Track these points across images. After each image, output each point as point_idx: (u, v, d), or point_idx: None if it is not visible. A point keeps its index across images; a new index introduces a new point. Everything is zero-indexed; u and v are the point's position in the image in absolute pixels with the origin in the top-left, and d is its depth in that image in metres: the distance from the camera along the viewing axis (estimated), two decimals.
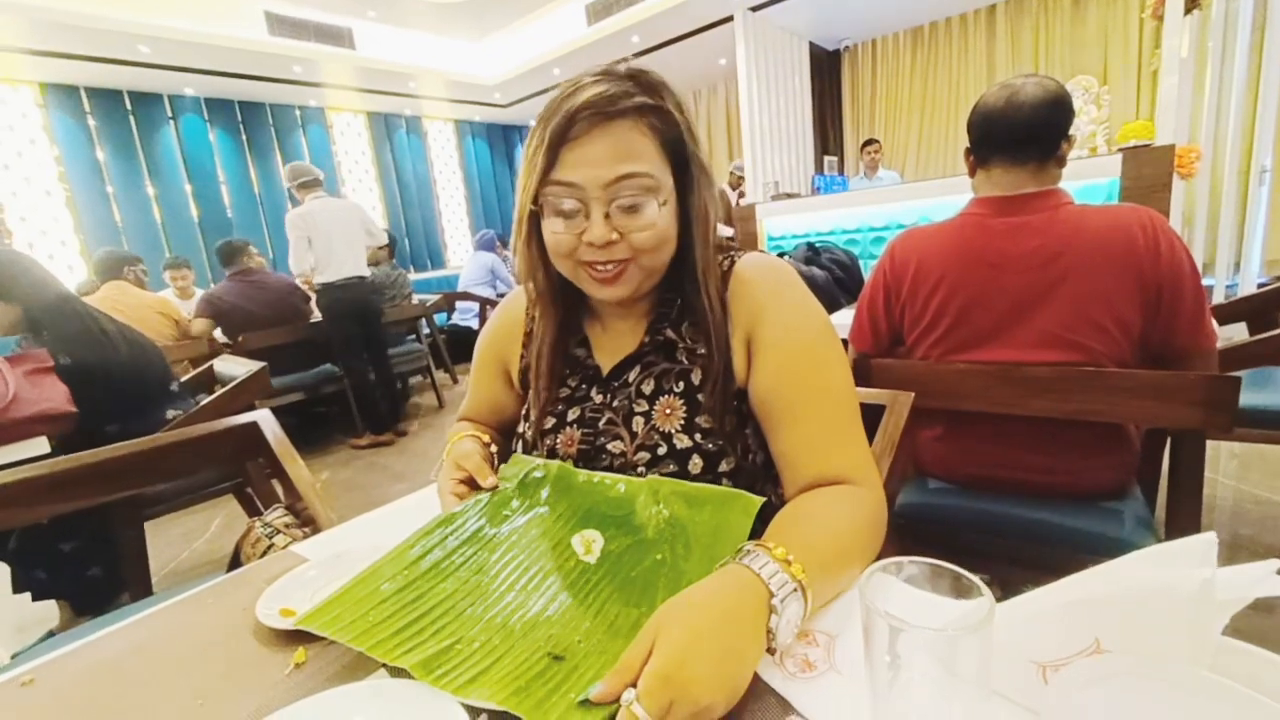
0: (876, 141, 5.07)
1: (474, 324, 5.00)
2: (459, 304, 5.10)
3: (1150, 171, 2.61)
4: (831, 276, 2.37)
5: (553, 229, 0.63)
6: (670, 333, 0.69)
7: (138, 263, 3.21)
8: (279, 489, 1.26)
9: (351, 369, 3.46)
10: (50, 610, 1.72)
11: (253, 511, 1.65)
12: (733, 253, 0.72)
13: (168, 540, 2.47)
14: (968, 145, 1.16)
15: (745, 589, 0.44)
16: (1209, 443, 0.99)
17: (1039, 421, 1.03)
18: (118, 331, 1.75)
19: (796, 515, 0.56)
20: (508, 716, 0.42)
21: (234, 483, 1.89)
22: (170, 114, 5.93)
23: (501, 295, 4.88)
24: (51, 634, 1.62)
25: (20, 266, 1.64)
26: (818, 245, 2.55)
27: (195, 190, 6.06)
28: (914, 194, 3.51)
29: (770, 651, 0.44)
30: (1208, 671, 0.29)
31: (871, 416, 0.95)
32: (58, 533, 1.61)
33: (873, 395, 0.99)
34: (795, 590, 0.44)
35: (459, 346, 5.09)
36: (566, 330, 0.75)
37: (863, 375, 1.15)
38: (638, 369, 0.70)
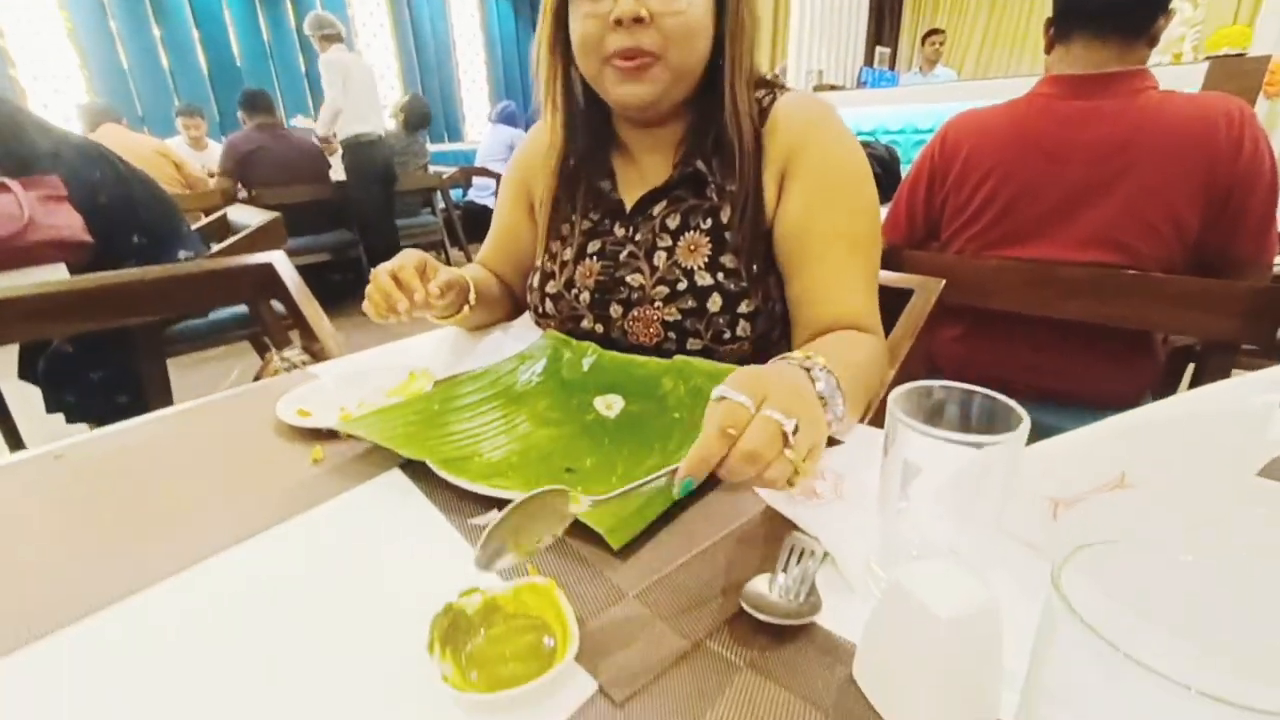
0: (941, 32, 4.61)
1: (490, 202, 4.86)
2: (476, 180, 4.92)
3: (1235, 86, 2.37)
4: None
5: (582, 13, 0.60)
6: (701, 165, 0.66)
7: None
8: (295, 340, 1.27)
9: (372, 233, 3.46)
10: (82, 431, 1.81)
11: None
12: (775, 90, 0.67)
13: (189, 385, 2.55)
14: (1049, 16, 1.04)
15: (784, 367, 0.43)
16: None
17: (1065, 326, 1.01)
18: (127, 169, 1.70)
19: (812, 345, 0.58)
20: None
21: (250, 331, 1.92)
22: None
23: None
24: None
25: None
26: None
27: (203, 36, 5.70)
28: (969, 94, 3.22)
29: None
30: (1241, 506, 0.29)
31: (898, 302, 0.93)
32: (83, 361, 1.66)
33: (901, 280, 0.95)
34: (823, 367, 0.43)
35: (474, 225, 4.98)
36: (586, 158, 0.72)
37: (893, 265, 1.10)
38: (664, 203, 0.68)
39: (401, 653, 0.33)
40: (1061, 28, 1.02)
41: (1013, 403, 0.32)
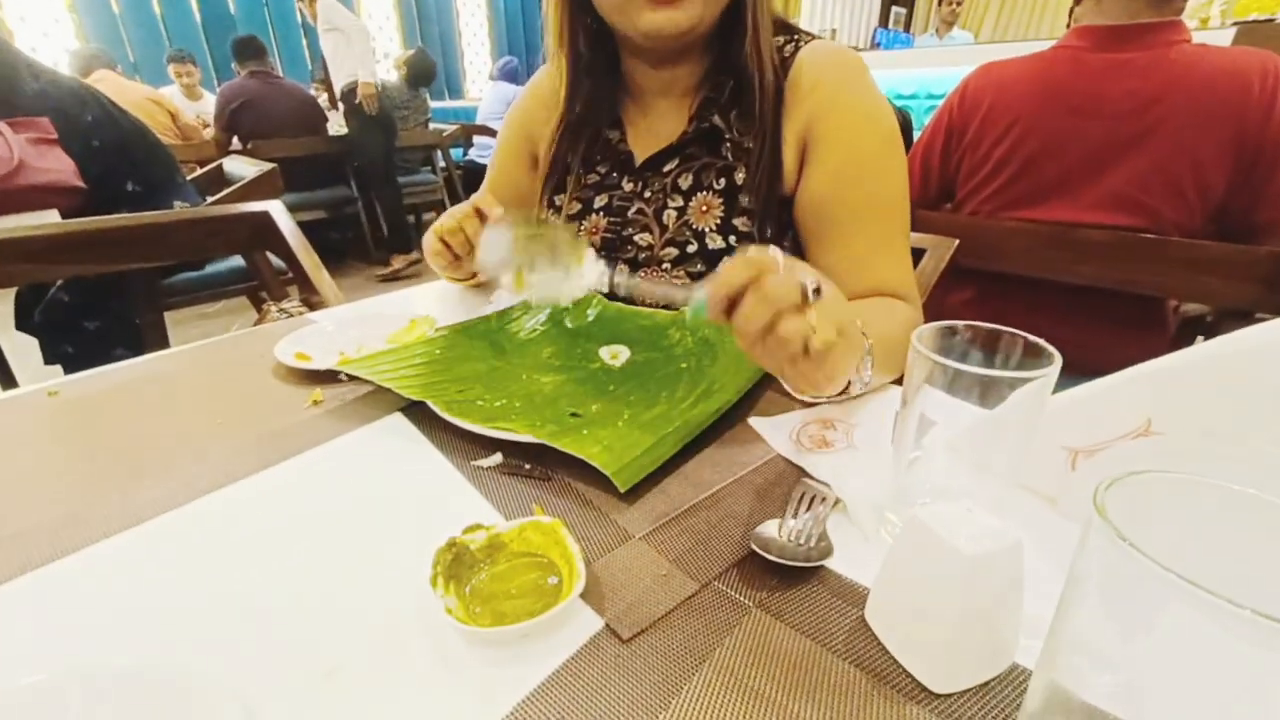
0: None
1: None
2: (476, 139, 4.80)
3: None
4: None
5: None
6: (718, 120, 0.62)
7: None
8: (293, 294, 1.26)
9: (373, 189, 3.39)
10: None
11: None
12: (798, 37, 0.63)
13: (187, 341, 2.54)
14: None
15: None
16: None
17: (1076, 292, 0.99)
18: (120, 113, 1.65)
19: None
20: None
21: (247, 285, 1.90)
22: None
23: None
24: None
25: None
26: None
27: None
28: (985, 58, 3.12)
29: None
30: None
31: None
32: (80, 311, 1.64)
33: (913, 239, 0.93)
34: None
35: (474, 184, 4.88)
36: (594, 103, 0.69)
37: None
38: (676, 161, 0.65)
39: (403, 589, 0.32)
40: None
41: (1043, 342, 0.31)
